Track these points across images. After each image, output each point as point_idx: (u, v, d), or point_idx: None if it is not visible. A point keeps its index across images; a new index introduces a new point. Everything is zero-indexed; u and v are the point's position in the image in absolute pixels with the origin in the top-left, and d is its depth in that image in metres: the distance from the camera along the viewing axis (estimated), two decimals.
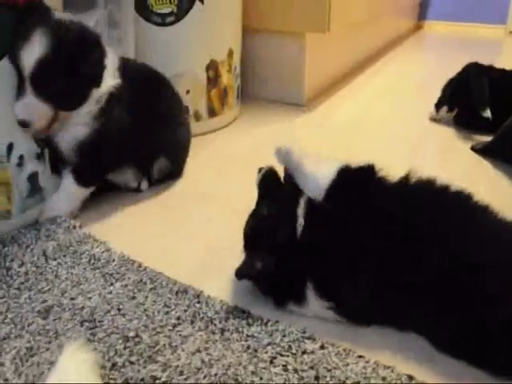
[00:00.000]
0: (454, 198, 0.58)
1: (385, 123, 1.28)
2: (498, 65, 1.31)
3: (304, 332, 0.55)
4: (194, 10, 1.06)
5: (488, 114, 1.14)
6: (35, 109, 0.66)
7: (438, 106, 1.28)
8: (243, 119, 1.24)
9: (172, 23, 1.06)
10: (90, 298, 0.57)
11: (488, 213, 0.56)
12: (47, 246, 0.65)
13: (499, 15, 2.81)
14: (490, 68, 1.27)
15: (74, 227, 0.70)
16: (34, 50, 0.64)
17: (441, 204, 0.57)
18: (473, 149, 1.12)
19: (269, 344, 0.53)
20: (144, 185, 0.85)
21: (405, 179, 0.60)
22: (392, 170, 0.70)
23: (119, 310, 0.56)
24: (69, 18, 0.70)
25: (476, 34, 2.80)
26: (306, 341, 0.54)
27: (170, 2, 1.05)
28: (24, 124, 0.66)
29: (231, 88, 1.20)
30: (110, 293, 0.58)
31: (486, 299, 0.49)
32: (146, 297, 0.58)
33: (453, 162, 1.06)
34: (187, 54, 1.09)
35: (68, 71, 0.66)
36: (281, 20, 1.33)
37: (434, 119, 1.29)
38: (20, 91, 0.66)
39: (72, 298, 0.57)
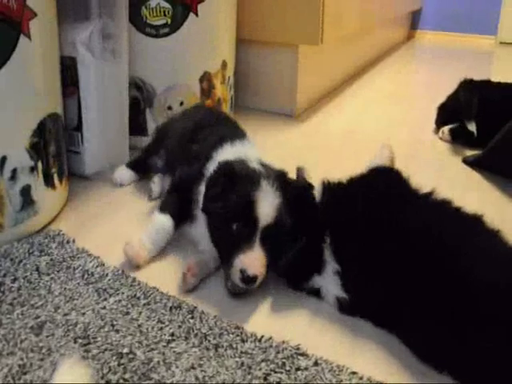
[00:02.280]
0: (468, 219, 0.60)
1: (376, 134, 1.29)
2: (489, 75, 1.33)
3: (298, 348, 0.55)
4: (188, 22, 1.07)
5: (473, 127, 1.16)
6: (263, 264, 0.60)
7: (437, 125, 1.30)
8: None
9: (166, 35, 1.07)
10: (83, 313, 0.57)
11: (498, 237, 0.58)
12: (40, 261, 0.65)
13: (490, 26, 2.85)
14: (482, 83, 1.28)
15: (68, 242, 0.69)
16: (271, 204, 0.61)
17: (456, 222, 0.60)
18: (464, 161, 1.13)
19: (263, 361, 0.53)
20: None
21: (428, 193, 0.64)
22: None
23: (113, 325, 0.56)
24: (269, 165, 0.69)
25: (467, 45, 2.84)
26: (299, 357, 0.54)
27: (165, 14, 1.06)
28: (252, 279, 0.59)
29: (225, 99, 1.21)
30: (104, 308, 0.58)
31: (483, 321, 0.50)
32: (140, 312, 0.58)
33: (445, 173, 1.08)
34: (181, 65, 1.09)
35: (291, 224, 0.63)
36: (274, 32, 1.34)
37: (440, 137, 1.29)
38: (244, 244, 0.60)
39: (65, 314, 0.57)
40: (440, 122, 1.30)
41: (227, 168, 0.64)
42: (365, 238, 0.59)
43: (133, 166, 0.94)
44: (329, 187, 0.67)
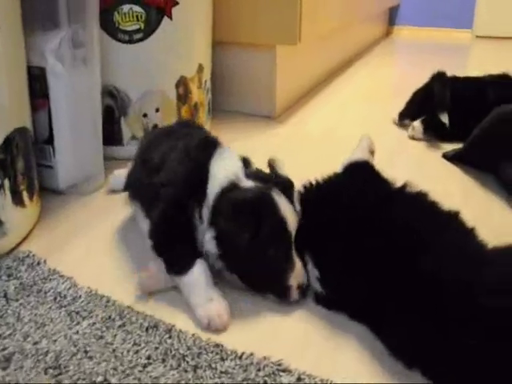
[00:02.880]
0: (442, 215, 0.61)
1: (357, 132, 1.27)
2: (466, 68, 1.33)
3: (280, 364, 0.53)
4: (162, 27, 1.04)
5: (446, 119, 1.17)
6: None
7: (401, 117, 1.31)
8: (214, 133, 1.21)
9: (140, 40, 1.04)
10: (54, 340, 0.54)
11: (471, 235, 0.58)
12: (8, 286, 0.62)
13: (466, 20, 2.87)
14: (455, 78, 1.29)
15: (39, 263, 0.67)
16: (294, 218, 0.64)
17: (428, 219, 0.60)
18: (444, 156, 1.13)
19: (243, 380, 0.51)
20: None
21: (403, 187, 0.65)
22: None
23: (86, 352, 0.53)
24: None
25: (444, 39, 2.85)
26: (281, 373, 0.52)
27: (138, 19, 1.03)
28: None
29: (202, 104, 1.19)
30: (77, 333, 0.56)
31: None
32: (115, 335, 0.56)
33: (425, 168, 1.07)
34: (156, 71, 1.06)
35: None
36: (251, 33, 1.32)
37: (396, 124, 1.32)
38: (286, 262, 0.61)
39: (35, 343, 0.54)
40: (407, 115, 1.30)
41: (248, 210, 0.60)
42: (341, 234, 0.60)
43: None
44: (306, 187, 0.69)
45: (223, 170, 0.65)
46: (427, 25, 2.97)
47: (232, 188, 0.62)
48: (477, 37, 2.86)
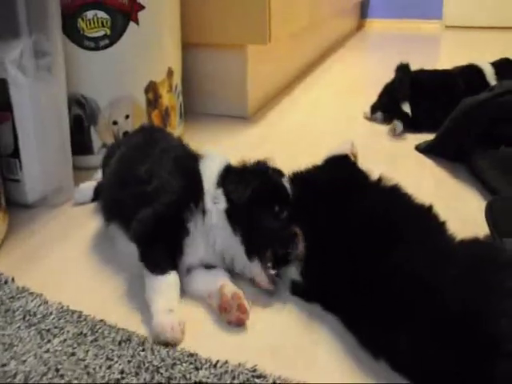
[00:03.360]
0: (414, 209, 0.62)
1: (330, 128, 1.29)
2: (437, 58, 1.36)
3: (254, 370, 0.53)
4: (128, 32, 1.03)
5: (407, 108, 1.19)
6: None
7: (373, 110, 1.32)
8: (188, 137, 1.22)
9: (106, 47, 1.02)
10: (24, 361, 0.53)
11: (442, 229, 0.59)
12: None
13: (435, 11, 2.91)
14: (422, 70, 1.31)
15: (6, 282, 0.65)
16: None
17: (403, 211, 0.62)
18: (417, 148, 1.14)
19: None
20: None
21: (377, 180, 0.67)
22: None
23: (57, 370, 0.52)
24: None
25: (415, 30, 2.89)
26: (256, 380, 0.52)
27: (103, 25, 1.01)
28: None
29: (173, 108, 1.18)
30: (47, 351, 0.55)
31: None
32: (87, 351, 0.55)
33: (398, 161, 1.08)
34: (124, 77, 1.05)
35: None
36: (221, 33, 1.31)
37: (368, 118, 1.34)
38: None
39: (3, 365, 0.52)
40: (379, 108, 1.32)
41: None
42: (319, 224, 0.62)
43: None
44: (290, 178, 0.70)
45: (214, 164, 0.69)
46: (398, 16, 3.00)
47: (229, 169, 0.69)
48: (446, 27, 2.90)
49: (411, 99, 1.21)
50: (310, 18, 1.74)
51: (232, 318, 0.59)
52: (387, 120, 1.28)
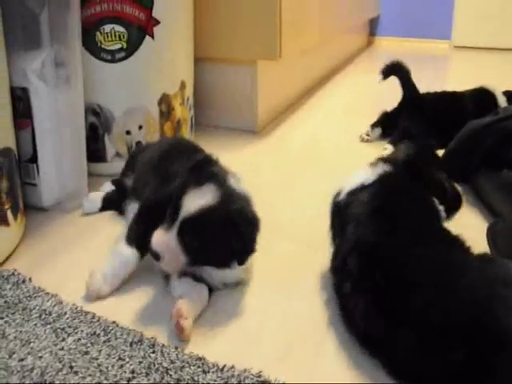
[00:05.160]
0: None
1: (338, 145, 1.31)
2: (446, 78, 1.38)
3: (259, 376, 0.55)
4: (144, 45, 1.07)
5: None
6: (172, 251, 0.61)
7: (373, 127, 1.35)
8: None
9: (122, 59, 1.06)
10: (40, 357, 0.56)
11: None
12: None
13: (444, 31, 2.95)
14: (432, 93, 1.33)
15: (24, 281, 0.68)
16: (198, 201, 0.61)
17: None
18: None
19: None
20: None
21: None
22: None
23: (71, 367, 0.55)
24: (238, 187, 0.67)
25: (423, 49, 2.92)
26: None
27: (120, 38, 1.05)
28: (155, 255, 0.61)
29: (185, 120, 1.21)
30: (62, 349, 0.57)
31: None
32: (100, 350, 0.57)
33: None
34: (138, 89, 1.09)
35: (220, 237, 0.62)
36: (232, 48, 1.35)
37: (365, 140, 1.34)
38: (167, 222, 0.62)
39: (21, 359, 0.55)
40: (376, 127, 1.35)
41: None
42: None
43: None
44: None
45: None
46: (407, 35, 3.04)
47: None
48: (455, 47, 2.93)
49: (416, 120, 1.23)
50: (319, 35, 1.78)
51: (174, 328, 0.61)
52: (385, 136, 1.30)
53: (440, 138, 1.18)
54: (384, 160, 0.71)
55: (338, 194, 0.72)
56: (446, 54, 2.82)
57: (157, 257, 0.61)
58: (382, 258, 0.58)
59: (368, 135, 1.35)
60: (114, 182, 0.95)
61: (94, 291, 0.66)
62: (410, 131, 1.22)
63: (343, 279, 0.61)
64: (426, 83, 1.34)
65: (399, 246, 0.59)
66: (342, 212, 0.68)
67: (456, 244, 0.61)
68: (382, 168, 0.69)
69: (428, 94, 1.33)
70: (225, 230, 0.61)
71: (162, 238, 0.61)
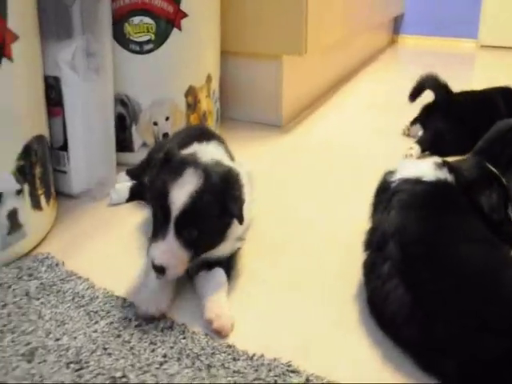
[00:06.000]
0: None
1: (360, 141, 1.31)
2: (471, 77, 1.36)
3: (289, 365, 0.55)
4: (171, 37, 1.07)
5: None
6: (175, 254, 0.60)
7: (413, 122, 1.33)
8: None
9: (150, 51, 1.07)
10: (75, 337, 0.57)
11: None
12: (29, 286, 0.65)
13: (471, 30, 2.90)
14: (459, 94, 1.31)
15: (57, 265, 0.69)
16: (184, 192, 0.59)
17: None
18: None
19: (255, 379, 0.53)
20: None
21: None
22: (372, 188, 0.73)
23: (105, 349, 0.56)
24: (211, 155, 0.66)
25: (449, 48, 2.88)
26: (291, 374, 0.54)
27: (148, 30, 1.06)
28: (160, 270, 0.59)
29: (210, 113, 1.22)
30: (96, 331, 0.58)
31: None
32: (132, 334, 0.58)
33: None
34: (166, 81, 1.10)
35: (215, 213, 0.62)
36: (258, 43, 1.35)
37: (405, 134, 1.34)
38: (159, 233, 0.60)
39: (57, 339, 0.57)
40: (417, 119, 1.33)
41: (165, 153, 0.65)
42: None
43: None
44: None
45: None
46: (432, 34, 3.00)
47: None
48: (481, 46, 2.89)
49: (448, 121, 1.22)
50: (344, 31, 1.77)
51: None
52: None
53: (473, 138, 1.17)
54: (450, 168, 0.70)
55: (390, 173, 0.71)
56: (472, 53, 2.78)
57: (162, 270, 0.59)
58: (426, 251, 0.58)
59: (408, 130, 1.34)
60: (128, 173, 0.97)
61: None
62: (441, 132, 1.20)
63: (382, 260, 0.61)
64: (451, 83, 1.32)
65: (444, 241, 0.59)
66: (390, 194, 0.68)
67: (500, 247, 0.61)
68: (445, 175, 0.68)
69: (460, 93, 1.31)
70: (217, 204, 0.61)
71: (162, 249, 0.59)
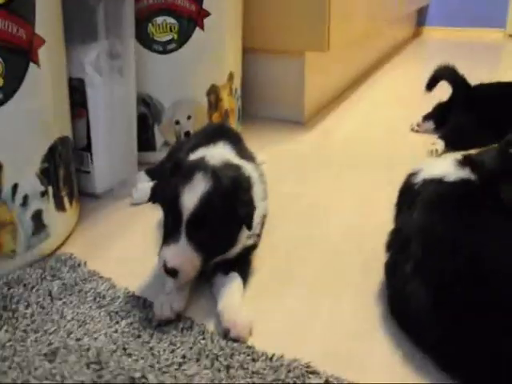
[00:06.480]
0: None
1: (384, 138, 1.28)
2: (498, 68, 1.32)
3: (308, 366, 0.55)
4: (194, 37, 1.08)
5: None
6: (188, 257, 0.60)
7: (425, 118, 1.31)
8: (245, 139, 1.25)
9: (173, 50, 1.08)
10: (95, 338, 0.58)
11: None
12: (53, 286, 0.66)
13: (498, 19, 2.82)
14: (481, 86, 1.26)
15: (79, 265, 0.70)
16: (194, 196, 0.60)
17: None
18: None
19: (274, 380, 0.53)
20: None
21: None
22: (395, 185, 0.72)
23: (125, 349, 0.56)
24: (220, 158, 0.67)
25: (475, 39, 2.80)
26: (310, 376, 0.54)
27: (171, 30, 1.07)
28: (173, 273, 0.60)
29: (232, 111, 1.21)
30: (116, 332, 0.59)
31: None
32: (152, 335, 0.59)
33: None
34: (188, 80, 1.10)
35: (226, 216, 0.62)
36: (280, 40, 1.34)
37: (415, 130, 1.32)
38: (170, 236, 0.61)
39: (78, 339, 0.57)
40: (430, 116, 1.32)
41: (175, 161, 0.66)
42: None
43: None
44: None
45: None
46: (458, 25, 2.92)
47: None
48: (510, 36, 2.80)
49: (469, 116, 1.18)
50: (368, 26, 1.74)
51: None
52: (437, 130, 1.26)
53: (495, 132, 1.13)
54: (472, 164, 0.67)
55: (413, 175, 0.70)
56: (500, 43, 2.70)
57: (175, 273, 0.60)
58: (450, 252, 0.57)
59: (418, 125, 1.31)
60: (148, 172, 0.98)
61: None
62: (462, 127, 1.17)
63: (404, 260, 0.60)
64: (478, 73, 1.28)
65: (467, 242, 0.57)
66: (414, 195, 0.66)
67: None
68: (468, 174, 0.66)
69: (481, 85, 1.27)
70: (226, 207, 0.61)
71: (174, 252, 0.60)
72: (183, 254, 0.60)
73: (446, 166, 0.67)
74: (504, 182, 0.65)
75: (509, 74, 1.33)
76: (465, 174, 0.66)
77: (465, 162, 0.67)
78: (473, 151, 0.73)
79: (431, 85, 1.29)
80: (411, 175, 0.70)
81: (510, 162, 0.67)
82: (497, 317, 0.50)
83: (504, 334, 0.49)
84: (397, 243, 0.63)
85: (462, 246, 0.57)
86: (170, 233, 0.61)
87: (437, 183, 0.65)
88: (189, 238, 0.60)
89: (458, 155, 0.70)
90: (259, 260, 0.74)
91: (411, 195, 0.67)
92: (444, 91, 1.30)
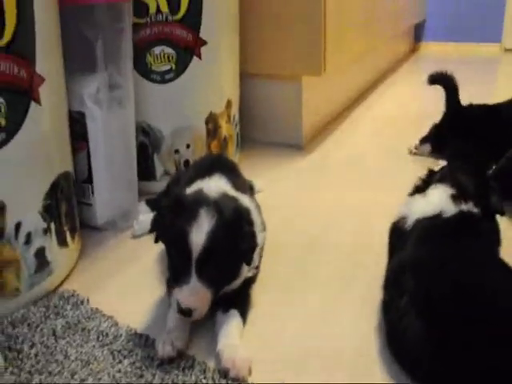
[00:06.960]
0: None
1: (383, 160, 1.30)
2: (496, 82, 1.33)
3: None
4: (192, 66, 1.09)
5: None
6: (200, 296, 0.61)
7: (422, 141, 1.32)
8: (243, 166, 1.26)
9: (171, 80, 1.09)
10: (99, 378, 0.58)
11: None
12: (56, 325, 0.67)
13: (494, 33, 2.84)
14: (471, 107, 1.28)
15: (82, 302, 0.71)
16: (202, 232, 0.61)
17: None
18: None
19: None
20: None
21: None
22: (394, 208, 0.73)
23: None
24: (217, 190, 0.69)
25: (472, 53, 2.83)
26: None
27: (169, 60, 1.08)
28: (187, 313, 0.61)
29: (231, 137, 1.23)
30: (119, 371, 0.60)
31: None
32: (154, 374, 0.59)
33: None
34: (186, 108, 1.11)
35: (231, 249, 0.63)
36: (276, 64, 1.36)
37: (413, 153, 1.33)
38: (181, 276, 0.62)
39: (82, 380, 0.58)
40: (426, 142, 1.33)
41: (174, 197, 0.68)
42: None
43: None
44: None
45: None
46: (454, 39, 2.95)
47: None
48: (506, 50, 2.82)
49: (465, 138, 1.20)
50: (365, 45, 1.76)
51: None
52: (435, 153, 1.27)
53: (490, 152, 1.15)
54: (464, 198, 0.70)
55: (402, 219, 0.71)
56: (496, 57, 2.72)
57: (190, 313, 0.61)
58: (443, 283, 0.58)
59: (416, 148, 1.32)
60: (148, 203, 0.99)
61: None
62: (462, 150, 1.18)
63: (399, 294, 0.61)
64: (475, 88, 1.30)
65: (461, 271, 0.59)
66: (406, 236, 0.68)
67: None
68: (466, 208, 0.68)
69: (471, 106, 1.28)
70: (231, 239, 0.63)
71: (187, 292, 0.61)
72: (196, 294, 0.61)
73: (438, 199, 0.69)
74: (492, 194, 0.68)
75: (506, 89, 1.34)
76: (465, 208, 0.68)
77: (460, 199, 0.69)
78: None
79: (433, 80, 1.31)
80: (400, 220, 0.72)
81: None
82: (493, 351, 0.51)
83: (503, 370, 0.50)
84: (391, 278, 0.64)
85: (454, 275, 0.58)
86: (179, 272, 0.62)
87: (426, 219, 0.68)
88: (199, 275, 0.61)
89: (443, 188, 0.71)
90: (259, 289, 0.75)
91: (403, 239, 0.68)
92: (438, 105, 1.31)
